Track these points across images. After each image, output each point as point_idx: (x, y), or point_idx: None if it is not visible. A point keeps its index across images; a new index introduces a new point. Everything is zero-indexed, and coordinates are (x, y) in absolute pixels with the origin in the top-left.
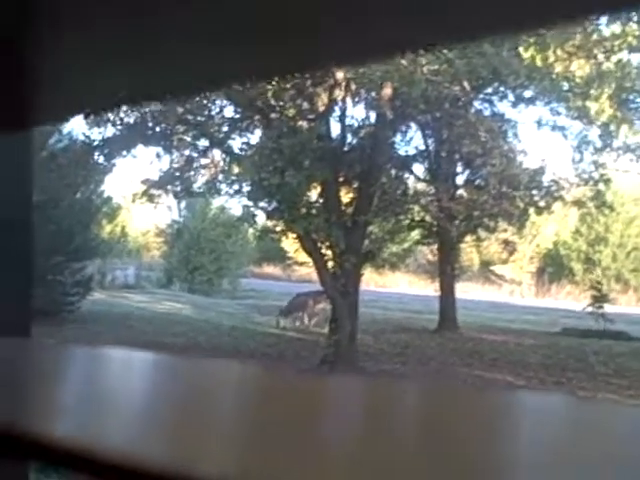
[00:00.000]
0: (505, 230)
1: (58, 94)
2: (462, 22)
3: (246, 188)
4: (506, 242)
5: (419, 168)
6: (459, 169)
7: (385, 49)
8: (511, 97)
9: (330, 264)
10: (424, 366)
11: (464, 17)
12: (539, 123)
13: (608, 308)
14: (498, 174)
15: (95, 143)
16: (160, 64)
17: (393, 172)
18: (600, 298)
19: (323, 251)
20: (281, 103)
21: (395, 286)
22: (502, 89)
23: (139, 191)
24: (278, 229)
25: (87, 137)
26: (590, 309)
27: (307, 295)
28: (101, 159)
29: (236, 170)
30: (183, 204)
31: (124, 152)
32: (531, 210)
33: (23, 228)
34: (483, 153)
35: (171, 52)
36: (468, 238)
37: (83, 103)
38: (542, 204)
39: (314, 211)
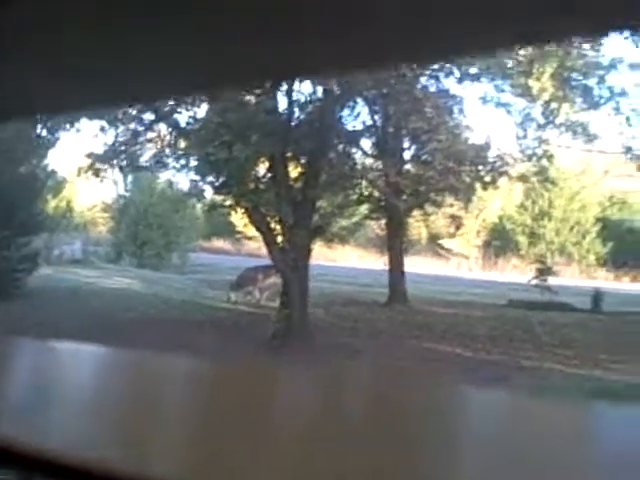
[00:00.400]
0: (452, 205)
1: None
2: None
3: (193, 163)
4: (453, 216)
5: (366, 143)
6: (406, 145)
7: (370, 61)
8: (457, 74)
9: (279, 239)
10: (375, 339)
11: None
12: (484, 100)
13: (552, 280)
14: (444, 150)
15: (37, 116)
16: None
17: (341, 147)
18: (545, 271)
19: (272, 226)
20: None
21: (345, 260)
22: (448, 66)
23: (84, 165)
24: (227, 204)
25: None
26: (535, 282)
27: (257, 269)
28: (44, 132)
29: (183, 144)
30: (129, 178)
31: (67, 125)
32: (477, 185)
33: None
34: (429, 129)
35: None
36: (416, 213)
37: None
38: (488, 179)
39: (262, 186)
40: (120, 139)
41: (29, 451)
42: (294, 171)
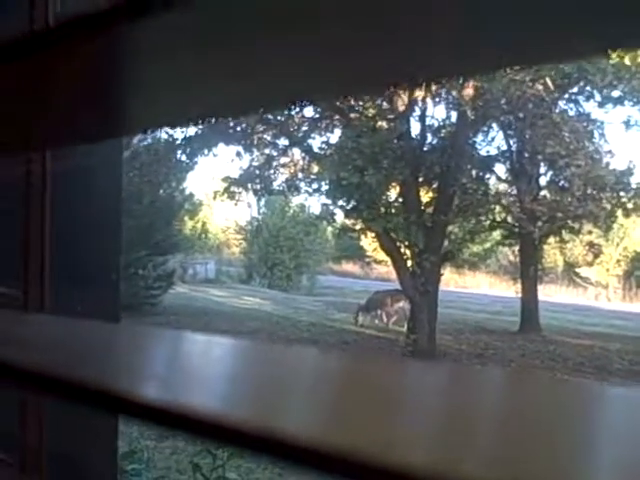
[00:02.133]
0: (590, 232)
1: (150, 106)
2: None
3: (325, 187)
4: (591, 244)
5: (500, 169)
6: (542, 170)
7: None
8: (598, 97)
9: (409, 263)
10: (504, 368)
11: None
12: (627, 124)
13: None
14: (583, 175)
15: (177, 141)
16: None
17: (474, 172)
18: None
19: (402, 250)
20: (361, 103)
21: (475, 287)
22: (588, 88)
23: (220, 188)
24: (357, 227)
25: (170, 135)
26: None
27: (385, 293)
28: (183, 157)
29: (315, 169)
30: (263, 202)
31: (205, 150)
32: (618, 212)
33: (113, 227)
34: (567, 154)
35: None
36: (551, 240)
37: (171, 115)
38: (630, 206)
39: (393, 210)
40: (255, 164)
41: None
42: (425, 196)
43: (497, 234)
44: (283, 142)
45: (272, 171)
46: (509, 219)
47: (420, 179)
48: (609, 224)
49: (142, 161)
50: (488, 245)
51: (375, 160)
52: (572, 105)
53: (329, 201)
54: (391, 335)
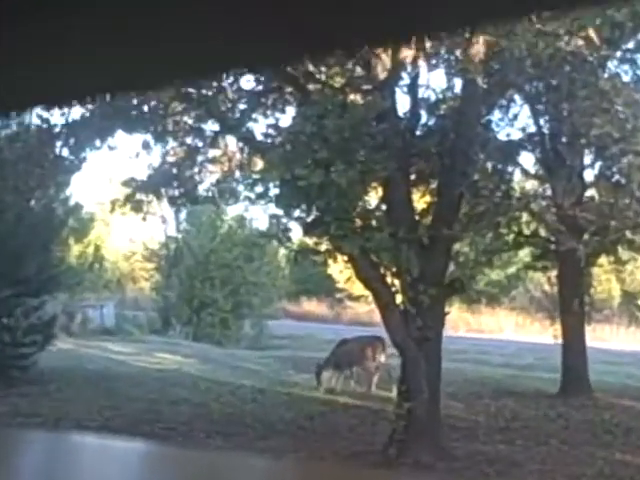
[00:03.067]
0: None
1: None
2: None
3: (274, 190)
4: None
5: (528, 159)
6: (587, 160)
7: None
8: None
9: (398, 298)
10: (541, 446)
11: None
12: None
13: None
14: None
15: (56, 130)
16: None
17: (489, 165)
18: None
19: (388, 280)
20: (324, 69)
21: (496, 330)
22: None
23: (120, 196)
24: (322, 249)
25: (45, 121)
26: None
27: (363, 342)
28: (65, 152)
29: (259, 165)
30: (184, 214)
31: (97, 142)
32: None
33: None
34: (622, 136)
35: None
36: (603, 260)
37: (46, 92)
38: None
39: (374, 222)
40: (170, 159)
41: None
42: (420, 201)
43: (525, 253)
44: (212, 127)
45: (196, 169)
46: (542, 232)
47: (412, 176)
48: None
49: (2, 158)
50: (513, 270)
51: (346, 150)
52: (627, 67)
53: (280, 211)
54: (374, 403)
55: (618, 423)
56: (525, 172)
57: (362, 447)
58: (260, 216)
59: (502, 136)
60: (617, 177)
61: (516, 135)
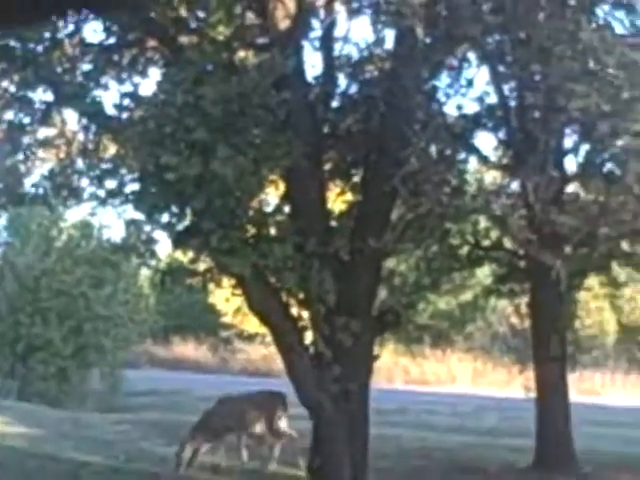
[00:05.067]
0: None
1: None
2: None
3: (132, 186)
4: None
5: (488, 141)
6: (568, 143)
7: None
8: None
9: (308, 337)
10: None
11: None
12: None
13: None
14: None
15: None
16: None
17: (433, 150)
18: None
19: (294, 311)
20: (202, 14)
21: (446, 380)
22: None
23: None
24: (200, 268)
25: None
26: None
27: (253, 400)
28: None
29: (112, 150)
30: (2, 220)
31: None
32: None
33: None
34: (614, 110)
35: None
36: (593, 281)
37: None
38: None
39: (274, 231)
40: None
41: None
42: (338, 201)
43: (485, 273)
44: (43, 96)
45: (21, 156)
46: (507, 242)
47: (326, 166)
48: None
49: None
50: (468, 296)
51: (232, 130)
52: (621, 14)
53: (140, 215)
54: None
55: None
56: (484, 160)
57: None
58: (113, 222)
59: (451, 109)
60: (609, 166)
61: (471, 108)
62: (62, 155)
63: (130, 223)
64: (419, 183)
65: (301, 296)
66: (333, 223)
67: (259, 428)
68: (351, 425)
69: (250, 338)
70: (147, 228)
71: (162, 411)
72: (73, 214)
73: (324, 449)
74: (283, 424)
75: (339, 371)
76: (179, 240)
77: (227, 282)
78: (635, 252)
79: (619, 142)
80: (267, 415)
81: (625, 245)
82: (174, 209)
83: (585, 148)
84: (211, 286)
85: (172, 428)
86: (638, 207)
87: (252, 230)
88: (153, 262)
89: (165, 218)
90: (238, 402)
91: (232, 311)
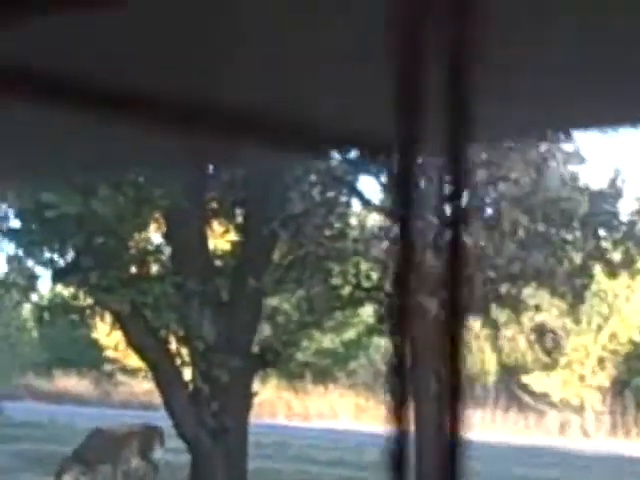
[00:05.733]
0: (540, 308)
1: None
2: None
3: (14, 222)
4: (547, 330)
5: (370, 185)
6: (440, 184)
7: None
8: None
9: (187, 374)
10: None
11: None
12: None
13: None
14: (520, 196)
15: None
16: None
17: (316, 193)
18: None
19: (172, 347)
20: None
21: (329, 415)
22: None
23: None
24: (83, 304)
25: None
26: None
27: (126, 432)
28: None
29: None
30: None
31: None
32: (595, 267)
33: None
34: (489, 160)
35: None
36: (473, 322)
37: None
38: (617, 257)
39: (154, 269)
40: None
41: None
42: (221, 238)
43: (368, 313)
44: None
45: None
46: (387, 284)
47: (211, 204)
48: (579, 291)
49: None
50: (352, 334)
51: (110, 160)
52: None
53: (20, 252)
54: None
55: None
56: (366, 203)
57: None
58: None
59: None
60: (488, 211)
61: (354, 152)
62: None
63: (11, 259)
64: (300, 226)
65: (180, 333)
66: (218, 262)
67: (131, 460)
68: (229, 459)
69: (133, 372)
70: (28, 264)
71: (40, 442)
72: None
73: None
74: (157, 455)
75: (217, 407)
76: (58, 276)
77: (108, 319)
78: (512, 295)
79: (494, 189)
80: (139, 446)
81: (504, 287)
82: (55, 246)
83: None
84: (96, 320)
85: (50, 459)
86: (515, 252)
87: (132, 268)
88: (35, 297)
89: (45, 254)
90: (112, 433)
91: (114, 345)
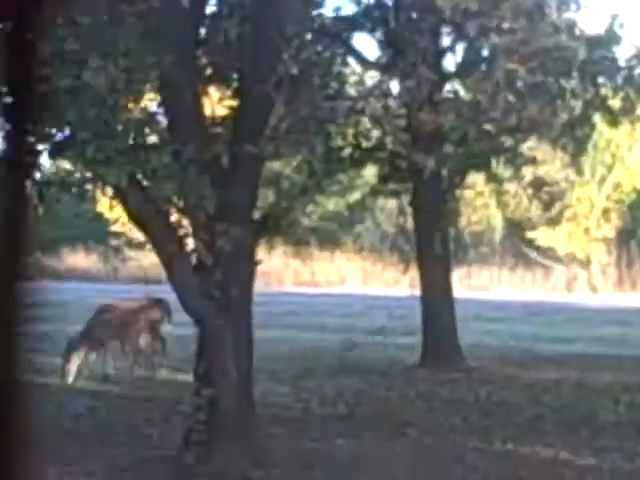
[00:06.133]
0: (537, 161)
1: None
2: None
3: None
4: (545, 183)
5: (367, 42)
6: (446, 42)
7: None
8: None
9: (189, 243)
10: (395, 439)
11: None
12: None
13: None
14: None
15: None
16: None
17: (312, 52)
18: None
19: (173, 219)
20: None
21: (336, 281)
22: None
23: None
24: (82, 177)
25: None
26: None
27: (131, 307)
28: None
29: None
30: None
31: None
32: (595, 115)
33: None
34: (480, 10)
35: None
36: (475, 177)
37: None
38: (617, 103)
39: (152, 139)
40: None
41: None
42: (219, 105)
43: (372, 174)
44: None
45: None
46: (388, 144)
47: (206, 72)
48: (580, 141)
49: None
50: (357, 196)
51: (101, 39)
52: None
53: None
54: (163, 391)
55: (499, 401)
56: (362, 61)
57: (148, 453)
58: None
59: (328, 11)
60: (483, 65)
61: (348, 9)
62: None
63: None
64: (298, 88)
65: (180, 204)
66: (219, 129)
67: (142, 335)
68: (235, 330)
69: (140, 246)
70: (31, 139)
71: (53, 322)
72: None
73: (209, 355)
74: (165, 329)
75: (221, 277)
76: (55, 151)
77: (107, 191)
78: (511, 148)
79: (486, 40)
80: (146, 320)
81: (508, 142)
82: (49, 121)
83: (462, 46)
84: (98, 195)
85: (62, 339)
86: (507, 105)
87: (128, 139)
88: (37, 175)
89: (45, 130)
90: (117, 309)
91: (119, 219)
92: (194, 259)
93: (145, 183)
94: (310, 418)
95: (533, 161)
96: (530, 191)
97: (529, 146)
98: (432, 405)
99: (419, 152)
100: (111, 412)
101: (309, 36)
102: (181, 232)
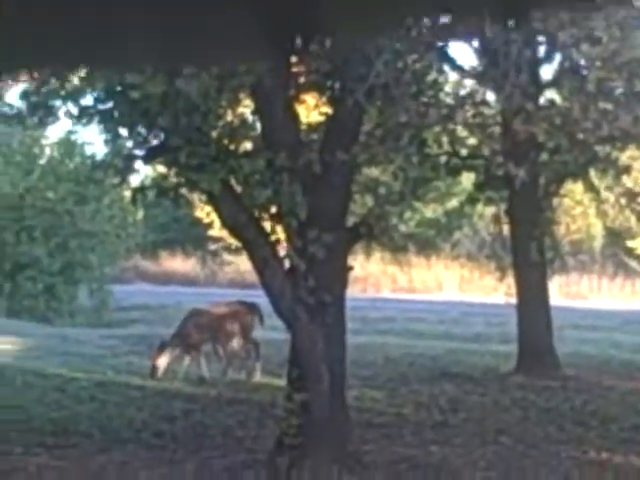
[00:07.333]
0: None
1: None
2: None
3: (106, 104)
4: (632, 194)
5: (463, 50)
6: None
7: None
8: None
9: (282, 249)
10: (488, 446)
11: None
12: None
13: None
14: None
15: None
16: None
17: (415, 55)
18: None
19: (266, 226)
20: None
21: (433, 288)
22: None
23: None
24: (172, 181)
25: None
26: None
27: (224, 311)
28: None
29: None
30: None
31: None
32: None
33: None
34: (574, 18)
35: None
36: (576, 187)
37: None
38: None
39: (247, 145)
40: None
41: None
42: (315, 111)
43: (471, 181)
44: None
45: None
46: (484, 151)
47: (301, 79)
48: None
49: None
50: (455, 203)
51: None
52: None
53: (116, 130)
54: (257, 395)
55: (594, 411)
56: (459, 69)
57: (241, 456)
58: (96, 139)
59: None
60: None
61: (445, 17)
62: (35, 74)
63: (109, 140)
64: (393, 95)
65: (273, 210)
66: (314, 136)
67: (235, 339)
68: (327, 335)
69: (237, 250)
70: (128, 145)
71: (151, 325)
72: (55, 132)
73: (302, 360)
74: (251, 333)
75: (314, 283)
76: (149, 156)
77: (201, 198)
78: (611, 157)
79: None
80: (240, 324)
81: (603, 150)
82: (141, 127)
83: (558, 55)
84: (196, 200)
85: (157, 341)
86: (600, 115)
87: (221, 146)
88: (132, 176)
89: (141, 131)
90: (209, 313)
91: (217, 225)
92: (287, 265)
93: (238, 189)
94: (404, 424)
95: (627, 171)
96: (623, 201)
97: (629, 155)
98: (526, 413)
99: (511, 161)
100: (206, 415)
101: (401, 45)
102: (273, 238)
